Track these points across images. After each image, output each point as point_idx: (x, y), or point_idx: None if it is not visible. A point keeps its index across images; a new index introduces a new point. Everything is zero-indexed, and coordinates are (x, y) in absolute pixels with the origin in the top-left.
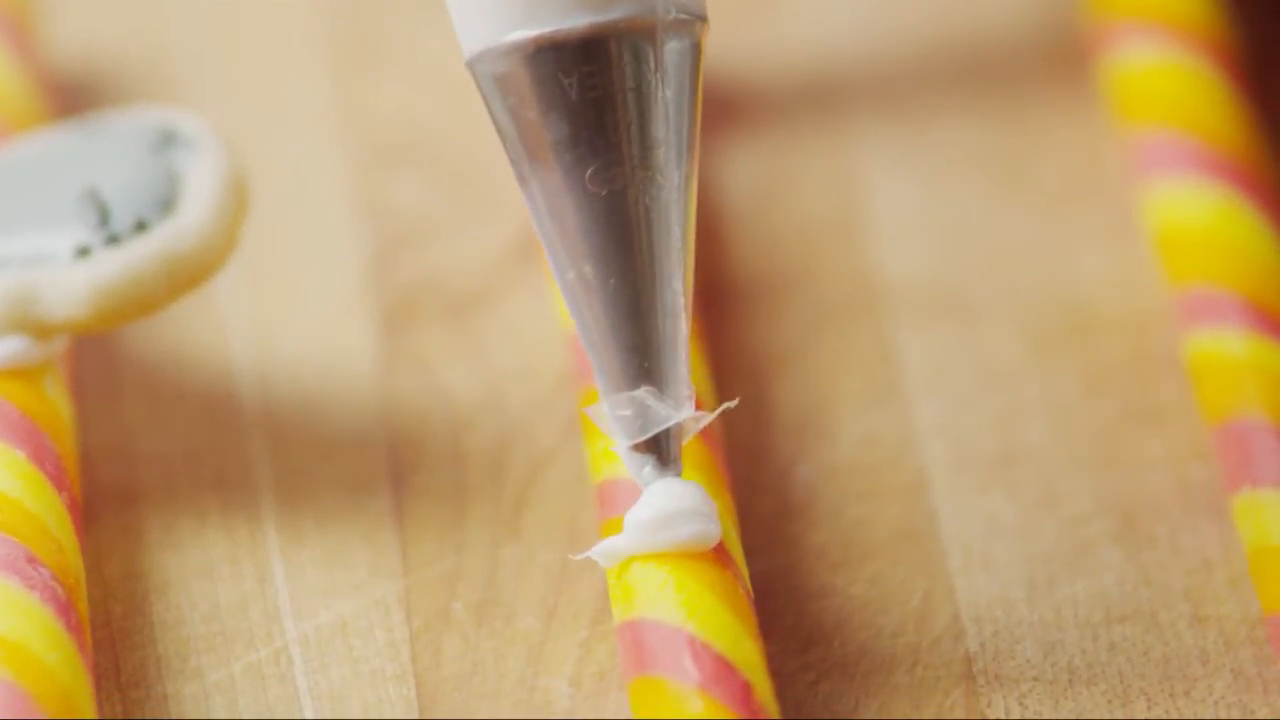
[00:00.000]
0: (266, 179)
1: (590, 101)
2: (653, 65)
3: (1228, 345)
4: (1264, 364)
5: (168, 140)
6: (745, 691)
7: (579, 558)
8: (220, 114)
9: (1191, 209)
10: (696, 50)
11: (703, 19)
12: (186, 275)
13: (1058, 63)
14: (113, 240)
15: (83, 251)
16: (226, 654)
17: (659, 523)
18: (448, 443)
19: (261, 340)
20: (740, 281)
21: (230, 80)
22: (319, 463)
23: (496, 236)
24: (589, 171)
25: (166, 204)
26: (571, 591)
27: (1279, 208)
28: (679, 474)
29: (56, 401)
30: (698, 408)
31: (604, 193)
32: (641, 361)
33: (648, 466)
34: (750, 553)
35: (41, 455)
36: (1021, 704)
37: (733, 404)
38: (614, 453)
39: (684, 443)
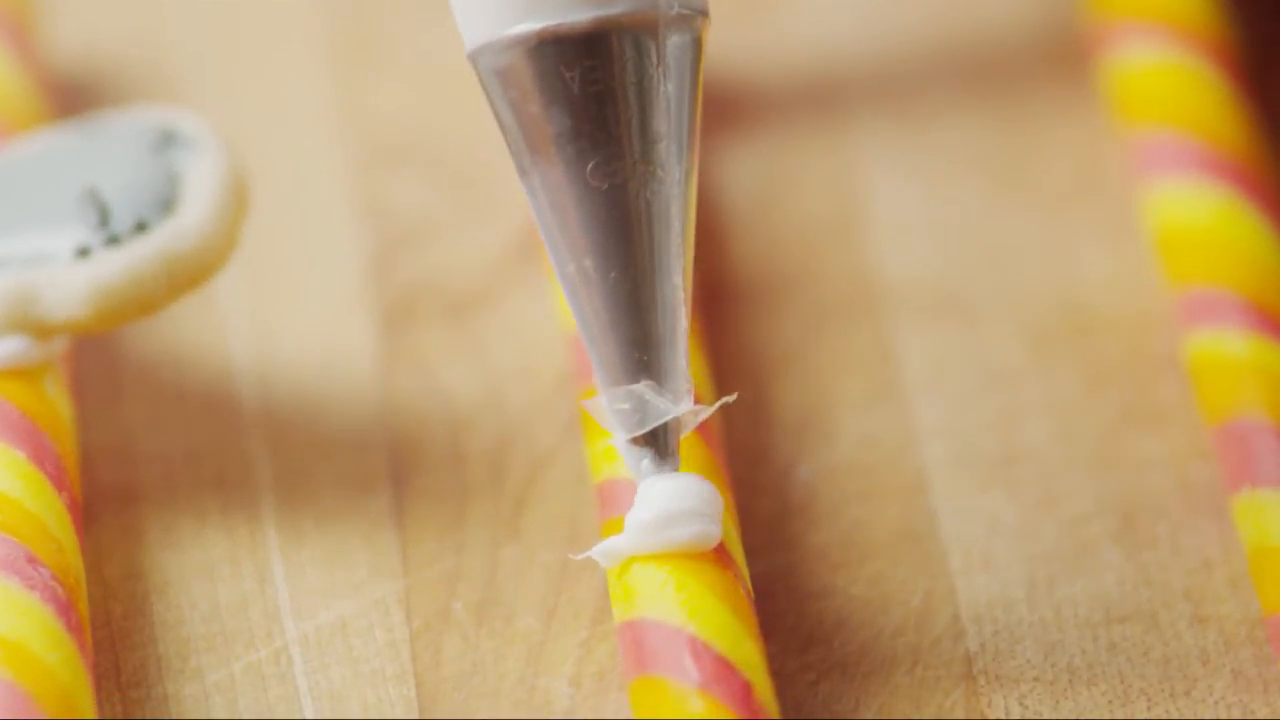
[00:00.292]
0: (266, 179)
1: (592, 95)
2: (655, 60)
3: (1228, 345)
4: (1264, 364)
5: (168, 140)
6: (746, 691)
7: (579, 558)
8: (220, 114)
9: (1192, 209)
10: (698, 45)
11: (704, 13)
12: (187, 275)
13: (1058, 63)
14: (113, 240)
15: (83, 252)
16: (226, 654)
17: (659, 523)
18: (448, 443)
19: (261, 340)
20: (740, 281)
21: (230, 80)
22: (319, 463)
23: (496, 236)
24: (590, 165)
25: (166, 204)
26: (571, 591)
27: (1279, 208)
28: (676, 468)
29: (56, 401)
30: (696, 405)
31: (605, 187)
32: (641, 355)
33: (646, 460)
34: (750, 553)
35: (41, 455)
36: (1021, 704)
37: (731, 398)
38: (614, 453)
39: (682, 436)
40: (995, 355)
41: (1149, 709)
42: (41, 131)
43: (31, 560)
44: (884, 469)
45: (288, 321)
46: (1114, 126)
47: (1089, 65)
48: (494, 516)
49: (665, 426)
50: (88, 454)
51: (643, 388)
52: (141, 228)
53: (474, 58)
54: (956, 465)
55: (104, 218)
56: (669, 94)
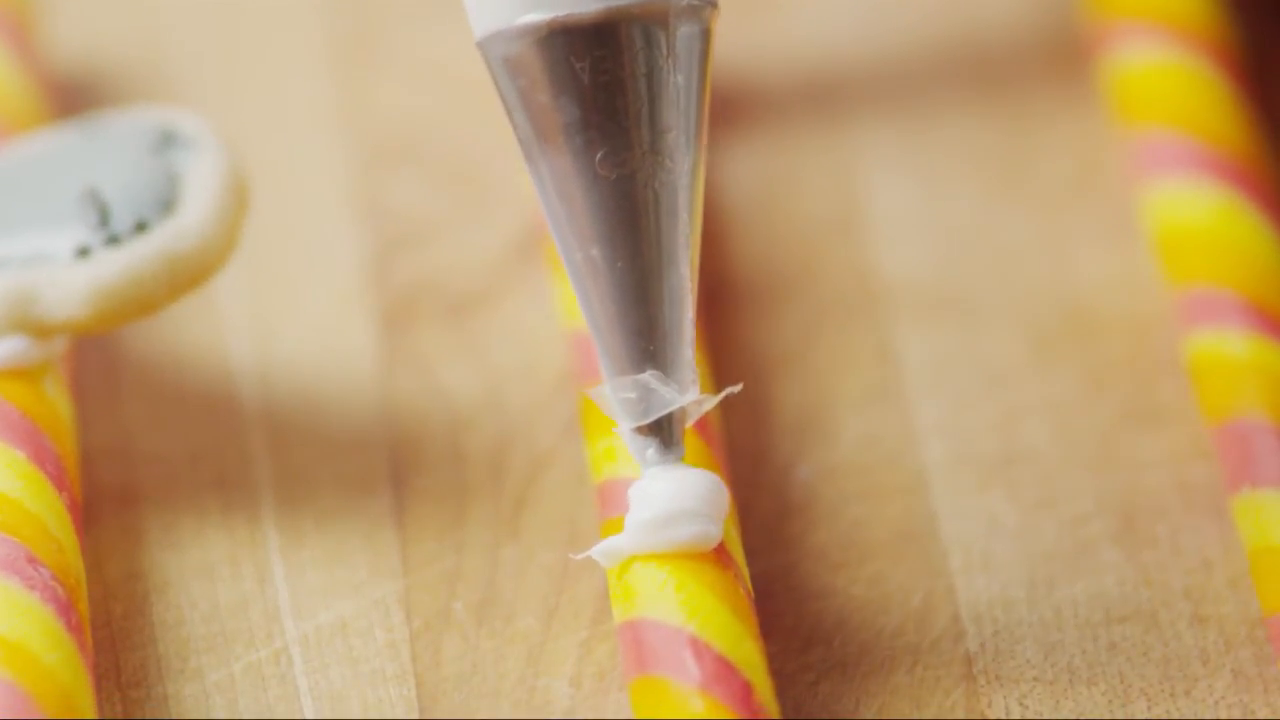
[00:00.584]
0: (266, 179)
1: (602, 85)
2: (664, 50)
3: (1228, 345)
4: (1264, 364)
5: (168, 140)
6: (746, 692)
7: (579, 557)
8: (220, 114)
9: (1191, 209)
10: (707, 35)
11: (713, 4)
12: (187, 275)
13: (1058, 63)
14: (113, 240)
15: (83, 252)
16: (226, 654)
17: (660, 522)
18: (448, 443)
19: (261, 340)
20: (740, 281)
21: (230, 80)
22: (319, 463)
23: (496, 236)
24: (599, 155)
25: (166, 204)
26: (571, 591)
27: (1279, 208)
28: (681, 456)
29: (56, 401)
30: (701, 395)
31: (614, 177)
32: (647, 345)
33: (650, 449)
34: (750, 553)
35: (41, 455)
36: (1021, 704)
37: (737, 388)
38: (614, 452)
39: (687, 426)
40: (995, 355)
41: (1149, 709)
42: (41, 131)
43: (31, 560)
44: (884, 469)
45: (288, 321)
46: (1114, 126)
47: (1089, 65)
48: (494, 516)
49: (670, 416)
50: (88, 454)
51: (648, 377)
52: (141, 228)
53: (483, 46)
54: (956, 465)
55: (104, 218)
56: (678, 84)
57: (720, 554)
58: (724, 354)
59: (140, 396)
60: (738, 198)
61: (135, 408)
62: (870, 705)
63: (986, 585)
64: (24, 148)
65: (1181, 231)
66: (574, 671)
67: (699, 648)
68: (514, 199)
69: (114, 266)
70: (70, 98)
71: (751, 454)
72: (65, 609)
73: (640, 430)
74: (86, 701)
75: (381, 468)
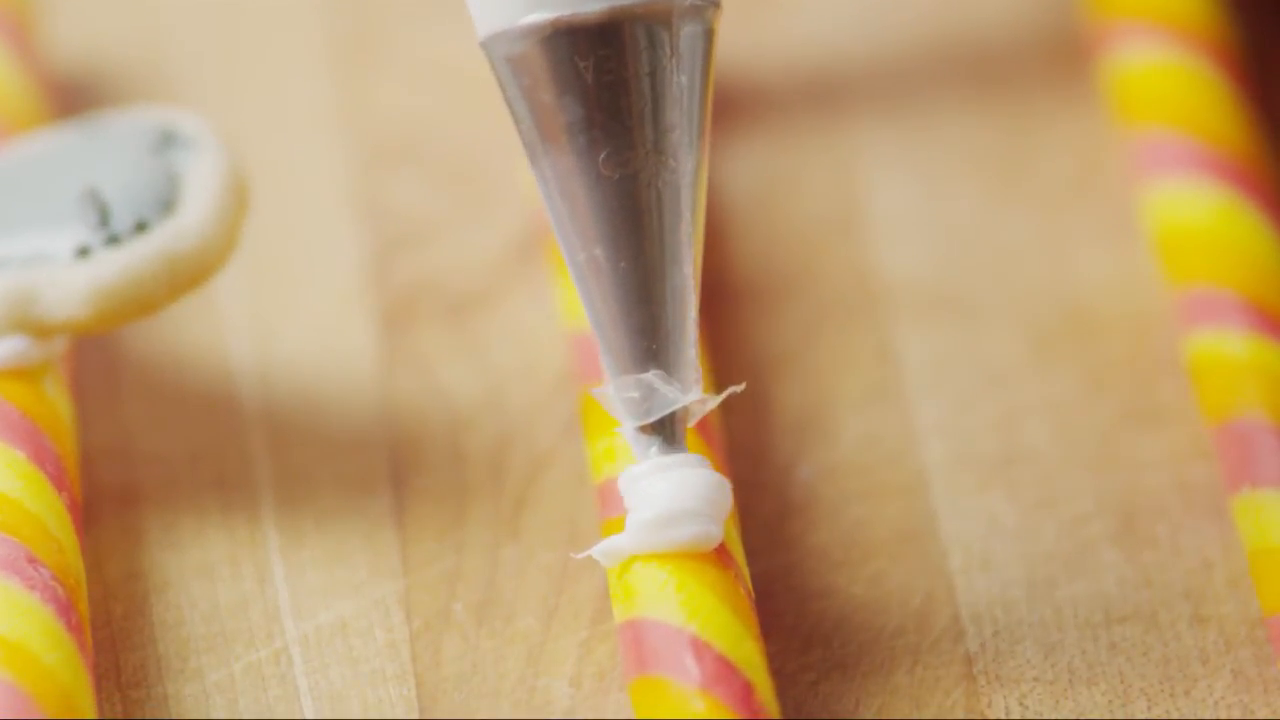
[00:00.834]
0: (266, 179)
1: (605, 85)
2: (668, 50)
3: (1228, 345)
4: (1264, 364)
5: (168, 140)
6: (747, 692)
7: (579, 557)
8: (220, 114)
9: (1191, 209)
10: (710, 35)
11: (716, 4)
12: (187, 275)
13: (1058, 63)
14: (113, 240)
15: (83, 251)
16: (226, 654)
17: (661, 522)
18: (448, 443)
19: (261, 340)
20: (740, 281)
21: (230, 80)
22: (319, 463)
23: (496, 236)
24: (603, 155)
25: (166, 204)
26: (571, 591)
27: (1279, 208)
28: (684, 453)
29: (56, 401)
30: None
31: (617, 176)
32: (650, 344)
33: (654, 447)
34: (751, 553)
35: (42, 455)
36: (1021, 704)
37: (739, 388)
38: (614, 452)
39: (689, 425)
40: (995, 355)
41: (1149, 709)
42: (41, 131)
43: (31, 560)
44: (884, 469)
45: (288, 321)
46: (1114, 126)
47: (1089, 65)
48: (494, 516)
49: (673, 415)
50: (88, 454)
51: (651, 376)
52: (141, 228)
53: (486, 46)
54: (956, 465)
55: (104, 218)
56: (681, 84)
57: (721, 554)
58: (724, 354)
59: (140, 396)
60: (738, 197)
61: (135, 408)
62: (870, 705)
63: (986, 585)
64: (24, 148)
65: (1181, 231)
66: (574, 671)
67: (700, 648)
68: (514, 199)
69: (114, 266)
70: (70, 98)
71: (752, 454)
72: (65, 609)
73: (643, 429)
74: (86, 701)
75: (381, 468)
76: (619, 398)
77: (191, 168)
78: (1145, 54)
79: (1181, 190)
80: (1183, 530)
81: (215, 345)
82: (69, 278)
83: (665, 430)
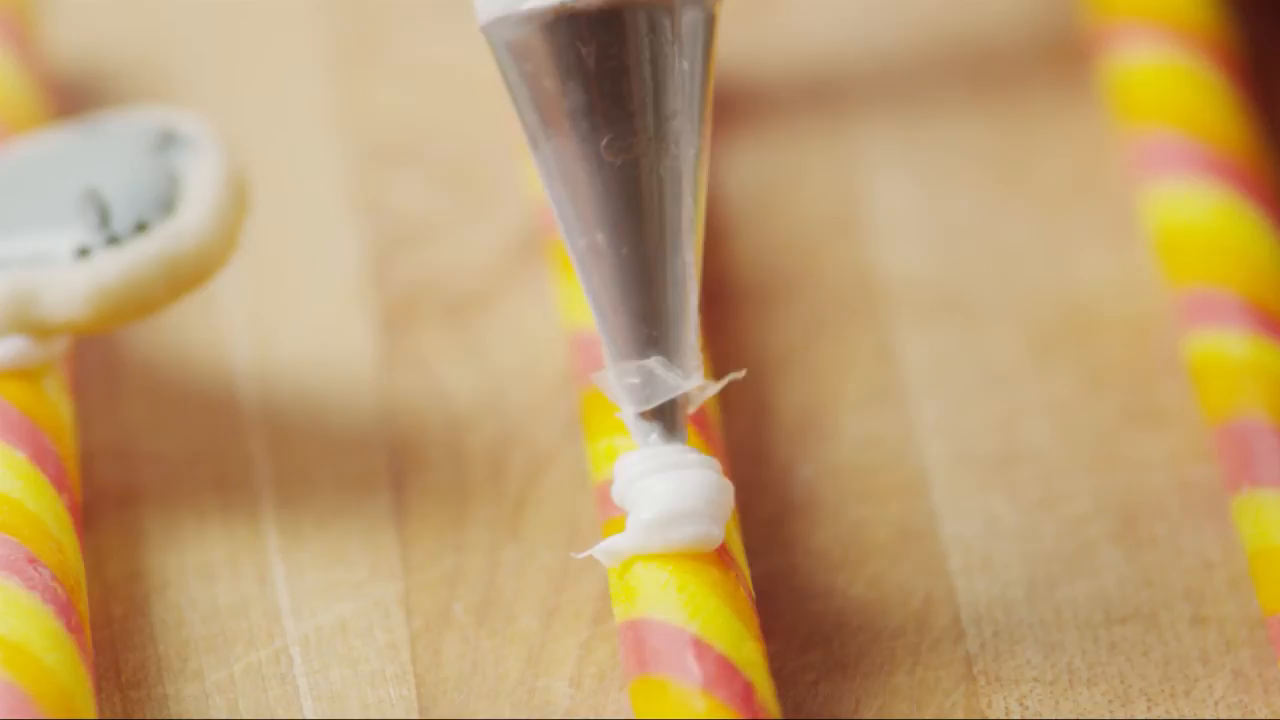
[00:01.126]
0: (266, 179)
1: (607, 71)
2: (670, 36)
3: (1228, 346)
4: (1264, 364)
5: (168, 140)
6: (747, 692)
7: (580, 556)
8: (220, 114)
9: (1191, 209)
10: (711, 21)
11: None
12: (187, 276)
13: (1058, 63)
14: (113, 241)
15: (83, 252)
16: (226, 654)
17: (662, 522)
18: (448, 443)
19: (261, 340)
20: (740, 281)
21: (230, 80)
22: (319, 463)
23: (496, 236)
24: (604, 141)
25: (167, 204)
26: (571, 591)
27: (1279, 208)
28: (685, 440)
29: (56, 401)
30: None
31: (619, 162)
32: (651, 330)
33: (654, 434)
34: (751, 553)
35: (41, 455)
36: (1021, 704)
37: (740, 374)
38: (614, 452)
39: (690, 412)
40: (995, 355)
41: (1149, 709)
42: (41, 131)
43: (31, 560)
44: (884, 469)
45: (288, 321)
46: (1114, 126)
47: (1089, 65)
48: (494, 516)
49: (673, 402)
50: (88, 454)
51: (652, 363)
52: (141, 228)
53: (488, 31)
54: (956, 465)
55: (104, 218)
56: (683, 70)
57: (722, 554)
58: (724, 354)
59: (140, 396)
60: (738, 197)
61: (135, 408)
62: (870, 705)
63: (986, 585)
64: (24, 148)
65: (1181, 231)
66: (574, 671)
67: (701, 648)
68: (514, 199)
69: (114, 267)
70: (70, 98)
71: (752, 454)
72: (65, 609)
73: (644, 415)
74: (86, 701)
75: (381, 468)
76: (619, 384)
77: (192, 168)
78: (1145, 54)
79: (1181, 190)
80: (1183, 530)
81: (215, 345)
82: (69, 278)
83: (665, 417)
